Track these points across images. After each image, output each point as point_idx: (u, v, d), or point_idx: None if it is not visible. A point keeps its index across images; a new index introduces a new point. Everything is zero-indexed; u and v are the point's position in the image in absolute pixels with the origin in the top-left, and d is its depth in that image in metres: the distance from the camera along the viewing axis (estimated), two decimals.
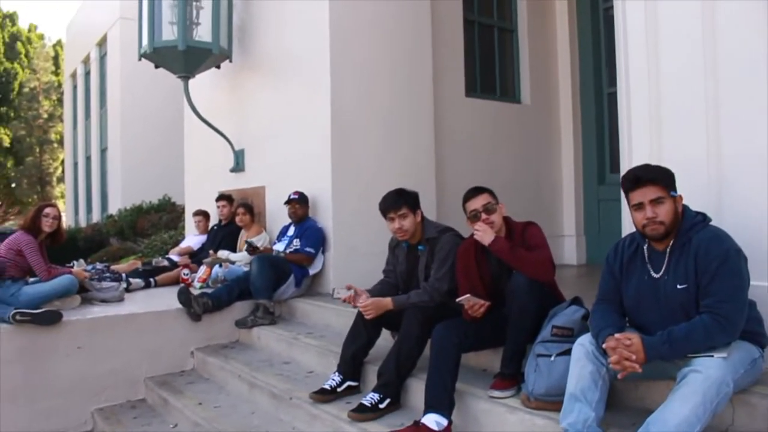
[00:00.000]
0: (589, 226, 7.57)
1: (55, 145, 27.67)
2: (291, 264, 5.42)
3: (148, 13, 6.56)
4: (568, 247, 7.57)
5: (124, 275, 6.19)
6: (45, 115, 27.55)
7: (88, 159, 21.34)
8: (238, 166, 7.00)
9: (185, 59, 6.54)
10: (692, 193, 2.91)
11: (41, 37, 30.99)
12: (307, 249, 5.49)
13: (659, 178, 2.54)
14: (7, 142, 28.15)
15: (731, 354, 2.34)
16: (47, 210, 5.23)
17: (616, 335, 2.43)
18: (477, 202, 3.33)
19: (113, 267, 6.51)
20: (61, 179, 27.87)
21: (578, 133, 7.60)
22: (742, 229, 2.83)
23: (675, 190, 2.57)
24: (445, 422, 2.94)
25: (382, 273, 3.97)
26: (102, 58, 19.74)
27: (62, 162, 26.87)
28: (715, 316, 2.36)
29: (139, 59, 6.90)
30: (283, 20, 6.37)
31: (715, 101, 3.01)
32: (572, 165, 7.64)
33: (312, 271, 5.57)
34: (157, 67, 6.91)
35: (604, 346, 2.45)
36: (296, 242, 5.56)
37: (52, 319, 4.58)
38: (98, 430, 4.55)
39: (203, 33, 6.55)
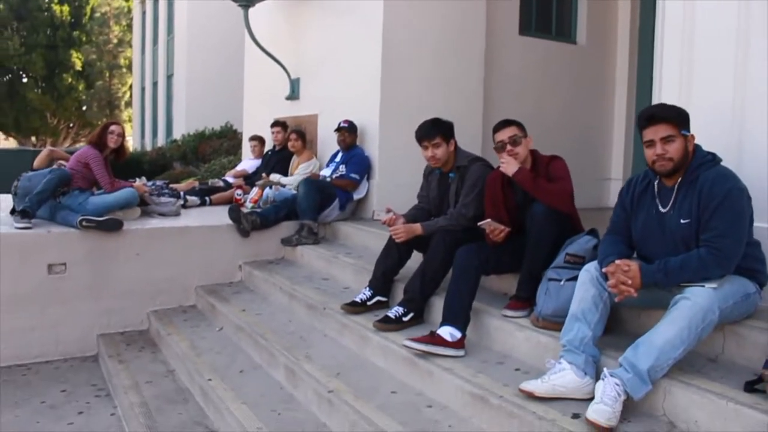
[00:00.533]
0: (636, 171, 7.55)
1: (124, 70, 28.42)
2: (336, 188, 5.70)
3: None
4: (614, 190, 7.59)
5: (181, 193, 6.57)
6: (115, 40, 28.24)
7: (154, 84, 21.96)
8: (294, 94, 7.25)
9: None
10: (716, 136, 3.04)
11: None
12: (352, 175, 5.75)
13: (671, 116, 2.66)
14: (78, 66, 29.06)
15: (722, 285, 2.49)
16: (113, 127, 5.61)
17: (617, 261, 2.62)
18: (504, 134, 3.50)
19: (172, 185, 6.90)
20: (129, 104, 28.73)
21: (633, 77, 7.53)
22: (758, 171, 2.95)
23: (687, 129, 2.69)
24: (459, 335, 3.20)
25: (416, 198, 4.20)
26: None
27: (130, 87, 27.64)
28: (712, 249, 2.52)
29: None
30: None
31: (744, 51, 3.06)
32: (624, 109, 7.62)
33: (356, 196, 5.84)
34: None
35: (603, 270, 2.65)
36: (342, 168, 5.81)
37: (114, 226, 4.98)
38: (153, 329, 5.00)
39: None
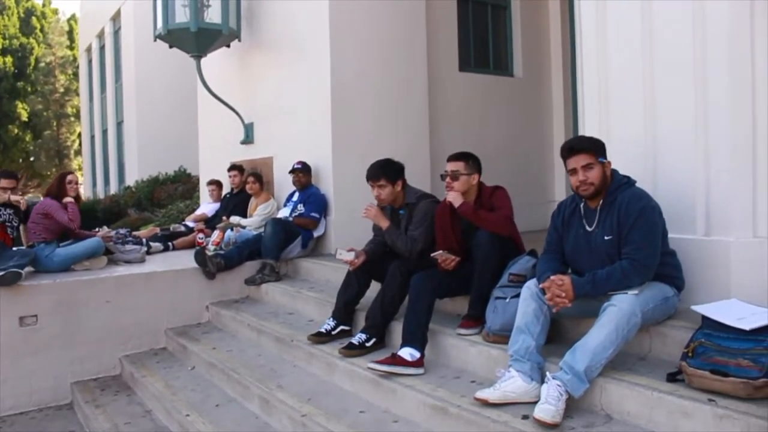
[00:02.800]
0: None
1: (72, 118, 28.30)
2: (298, 227, 5.98)
3: None
4: None
5: (144, 240, 6.76)
6: (61, 90, 28.15)
7: (104, 132, 21.91)
8: (248, 138, 7.53)
9: (197, 40, 7.05)
10: (632, 162, 3.44)
11: (55, 11, 31.54)
12: (312, 214, 6.04)
13: (589, 147, 3.06)
14: (25, 117, 28.86)
15: (643, 291, 2.87)
16: (69, 177, 5.84)
17: (552, 277, 2.97)
18: (449, 166, 3.88)
19: (135, 233, 7.08)
20: (78, 152, 28.53)
21: (569, 105, 8.03)
22: (670, 192, 3.35)
23: (604, 156, 3.09)
24: (418, 354, 3.50)
25: (372, 231, 4.51)
26: (116, 33, 20.22)
27: (79, 135, 27.51)
28: (632, 261, 2.89)
29: (154, 40, 7.41)
30: (287, 1, 6.83)
31: (651, 85, 3.47)
32: (563, 136, 8.05)
33: (316, 234, 6.13)
34: (171, 47, 7.41)
35: (541, 285, 3.00)
36: (300, 207, 6.11)
37: (13, 279, 4.91)
38: (126, 373, 5.16)
39: (213, 15, 7.03)
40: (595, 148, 3.07)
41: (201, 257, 5.69)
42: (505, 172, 7.07)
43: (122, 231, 6.59)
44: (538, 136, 8.00)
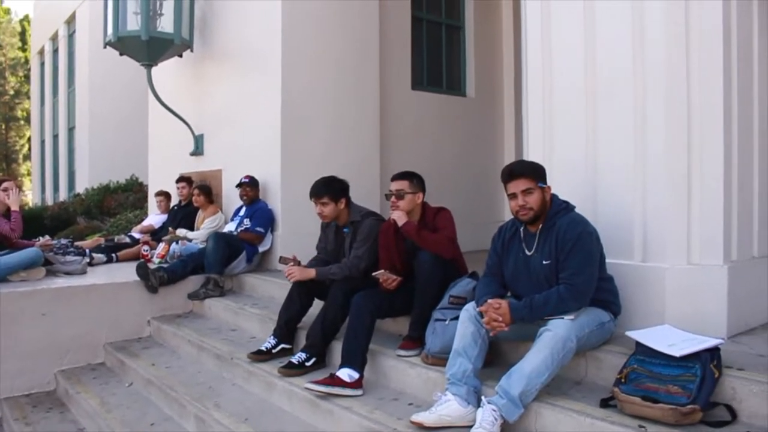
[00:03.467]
0: None
1: (22, 122, 27.63)
2: (243, 242, 5.90)
3: (113, 3, 6.93)
4: None
5: (87, 251, 6.59)
6: (11, 92, 27.51)
7: (55, 137, 21.41)
8: (198, 150, 7.43)
9: (148, 48, 6.94)
10: (574, 186, 3.49)
11: (7, 11, 30.77)
12: (258, 228, 5.97)
13: (528, 172, 3.08)
14: None
15: (578, 316, 2.89)
16: (6, 184, 5.66)
17: (489, 300, 2.98)
18: (393, 185, 3.88)
19: (77, 243, 6.90)
20: (27, 157, 27.85)
21: (519, 126, 8.10)
22: (610, 217, 3.40)
23: (544, 182, 3.11)
24: (356, 375, 3.47)
25: (315, 249, 4.47)
26: (70, 36, 19.82)
27: (29, 139, 26.83)
28: (568, 286, 2.92)
29: (104, 47, 7.28)
30: (241, 14, 6.79)
31: (593, 115, 3.53)
32: (513, 156, 8.15)
33: (261, 249, 6.06)
34: (121, 54, 7.28)
35: (478, 309, 3.00)
36: (247, 222, 6.04)
37: None
38: (61, 389, 5.00)
39: (166, 24, 6.95)
40: (534, 173, 3.10)
41: (143, 270, 5.57)
42: (456, 190, 7.17)
43: (63, 241, 6.41)
44: (489, 156, 8.07)
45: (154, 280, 5.54)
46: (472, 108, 7.97)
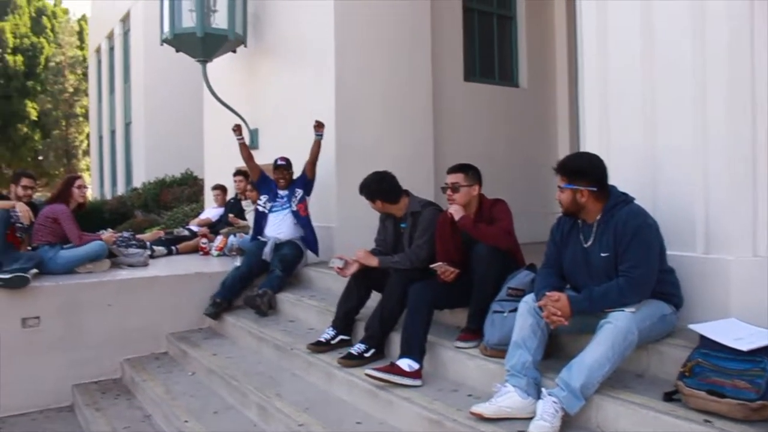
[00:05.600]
0: None
1: (81, 118, 28.46)
2: (308, 240, 5.96)
3: (168, 1, 7.10)
4: None
5: (148, 243, 6.79)
6: (70, 89, 28.32)
7: (112, 133, 22.02)
8: (253, 144, 7.55)
9: (203, 45, 7.10)
10: (633, 176, 3.45)
11: (66, 11, 31.71)
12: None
13: (563, 170, 3.13)
14: (34, 116, 29.02)
15: (640, 309, 2.87)
16: (79, 182, 5.88)
17: (547, 293, 2.97)
18: (449, 178, 3.90)
19: (138, 236, 7.12)
20: (86, 152, 28.71)
21: (573, 116, 8.03)
22: (670, 208, 3.35)
23: (581, 183, 3.08)
24: (416, 366, 3.51)
25: (374, 242, 4.52)
26: (126, 34, 20.34)
27: (87, 135, 27.65)
28: (628, 278, 2.89)
29: (161, 44, 7.46)
30: (293, 8, 6.88)
31: (651, 100, 3.48)
32: (567, 147, 8.07)
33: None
34: (177, 51, 7.46)
35: (536, 304, 3.01)
36: (298, 193, 6.00)
37: (21, 283, 4.96)
38: (127, 377, 5.18)
39: (220, 20, 7.09)
40: (568, 173, 3.11)
41: (251, 300, 5.37)
42: (509, 182, 7.12)
43: (126, 234, 6.62)
44: (543, 147, 7.99)
45: (262, 305, 5.29)
46: (524, 98, 7.91)
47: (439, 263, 3.77)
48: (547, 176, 7.77)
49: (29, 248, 5.68)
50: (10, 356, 4.93)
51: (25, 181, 5.76)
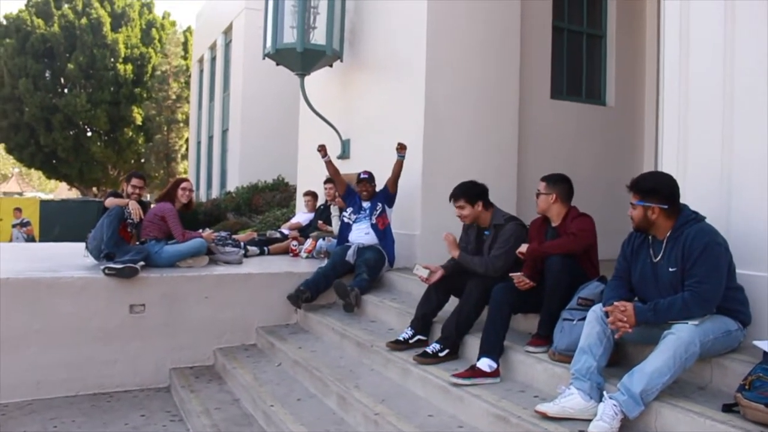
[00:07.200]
0: None
1: (181, 124, 29.81)
2: (385, 251, 6.30)
3: (272, 18, 7.61)
4: None
5: (242, 243, 7.27)
6: (173, 96, 29.70)
7: (210, 138, 23.05)
8: (344, 154, 7.95)
9: (302, 59, 7.56)
10: (707, 195, 3.56)
11: (173, 24, 33.38)
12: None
13: (636, 188, 3.34)
14: (139, 120, 30.73)
15: (704, 323, 3.01)
16: (185, 184, 6.42)
17: (615, 303, 3.15)
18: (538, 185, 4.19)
19: (233, 236, 7.61)
20: (185, 156, 30.07)
21: (661, 135, 7.99)
22: (743, 227, 3.44)
23: (648, 201, 3.26)
24: (495, 365, 3.77)
25: None
26: (227, 45, 21.32)
27: (186, 140, 28.99)
28: (694, 293, 3.04)
29: (263, 59, 7.98)
30: (388, 26, 7.25)
31: (730, 119, 3.58)
32: (653, 165, 8.05)
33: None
34: (277, 65, 7.95)
35: (604, 309, 3.19)
36: (379, 207, 6.38)
37: (130, 273, 5.46)
38: (219, 364, 5.62)
39: (318, 36, 7.53)
40: (640, 191, 3.30)
41: (342, 288, 5.62)
42: (591, 198, 7.14)
43: (223, 234, 7.11)
44: (627, 165, 7.99)
45: (352, 298, 5.54)
46: (611, 117, 7.96)
47: (519, 273, 3.99)
48: (628, 194, 7.92)
49: (138, 242, 6.23)
50: (118, 338, 5.47)
51: (135, 181, 6.34)
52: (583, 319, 3.48)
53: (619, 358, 3.47)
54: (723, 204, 3.56)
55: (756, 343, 2.97)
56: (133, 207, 6.04)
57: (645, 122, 8.16)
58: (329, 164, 6.62)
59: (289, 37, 7.51)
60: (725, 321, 3.12)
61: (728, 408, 2.85)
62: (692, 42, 3.80)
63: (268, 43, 7.70)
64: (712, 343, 3.04)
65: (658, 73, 7.86)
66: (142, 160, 31.25)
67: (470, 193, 4.48)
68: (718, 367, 3.18)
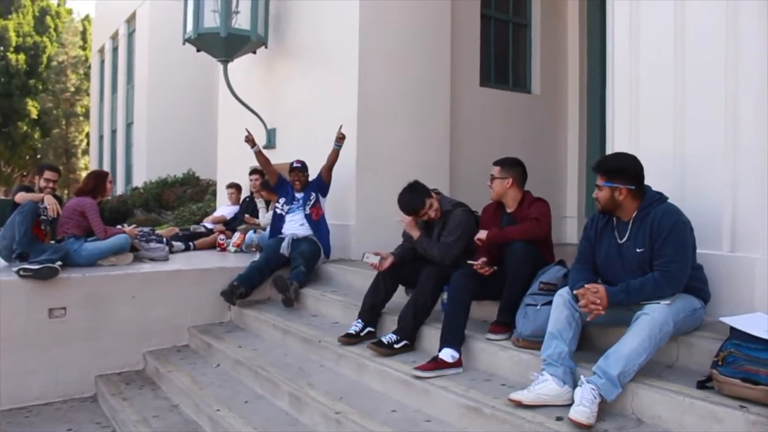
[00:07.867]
0: (589, 209, 8.18)
1: (81, 118, 28.43)
2: (321, 241, 6.07)
3: (193, 2, 7.23)
4: (569, 227, 8.17)
5: (165, 239, 6.88)
6: (72, 89, 28.28)
7: (113, 132, 22.04)
8: (270, 143, 7.67)
9: (226, 45, 7.23)
10: (661, 176, 3.57)
11: (69, 11, 31.73)
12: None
13: (602, 169, 3.27)
14: (34, 114, 28.96)
15: (674, 302, 3.00)
16: (110, 177, 5.99)
17: (586, 285, 3.10)
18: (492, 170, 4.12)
19: (157, 231, 7.20)
20: (86, 151, 28.67)
21: (584, 123, 8.17)
22: (697, 207, 3.48)
23: (616, 182, 3.22)
24: (457, 355, 3.66)
25: (401, 237, 4.63)
26: (130, 35, 20.40)
27: (87, 135, 27.64)
28: (664, 273, 3.03)
29: (183, 44, 7.58)
30: (316, 11, 7.02)
31: (682, 103, 3.62)
32: (577, 152, 8.23)
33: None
34: (198, 50, 7.57)
35: (575, 292, 3.13)
36: (313, 197, 6.14)
37: (49, 274, 5.04)
38: (150, 368, 5.26)
39: (242, 21, 7.23)
40: (608, 172, 3.25)
41: (282, 282, 5.43)
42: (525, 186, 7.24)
43: (146, 229, 6.72)
44: (554, 154, 8.14)
45: (291, 292, 5.34)
46: (537, 105, 8.05)
47: (482, 260, 3.89)
48: (557, 181, 8.07)
49: (52, 241, 5.76)
50: (36, 346, 5.00)
51: (48, 174, 5.88)
52: (547, 303, 3.44)
53: (582, 341, 3.41)
54: (677, 185, 3.59)
55: (723, 319, 2.98)
56: (50, 202, 5.56)
57: (569, 110, 8.28)
58: (259, 154, 6.32)
59: (211, 21, 7.16)
60: (691, 299, 3.14)
61: (702, 384, 2.85)
62: (642, 28, 3.82)
63: (189, 28, 7.32)
64: (682, 322, 3.05)
65: (581, 61, 8.12)
66: (39, 156, 29.55)
67: (419, 202, 4.33)
68: (685, 345, 3.19)
